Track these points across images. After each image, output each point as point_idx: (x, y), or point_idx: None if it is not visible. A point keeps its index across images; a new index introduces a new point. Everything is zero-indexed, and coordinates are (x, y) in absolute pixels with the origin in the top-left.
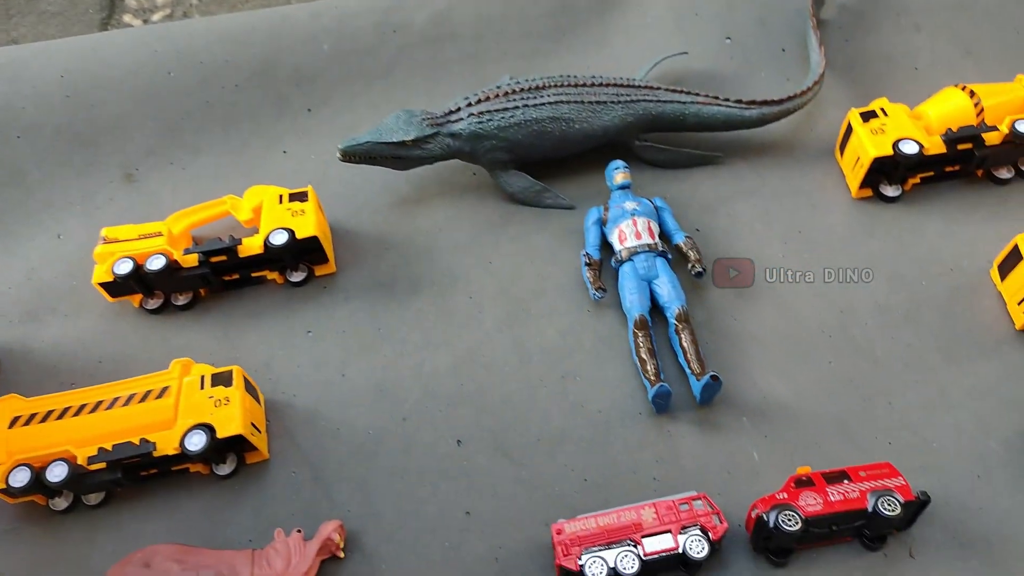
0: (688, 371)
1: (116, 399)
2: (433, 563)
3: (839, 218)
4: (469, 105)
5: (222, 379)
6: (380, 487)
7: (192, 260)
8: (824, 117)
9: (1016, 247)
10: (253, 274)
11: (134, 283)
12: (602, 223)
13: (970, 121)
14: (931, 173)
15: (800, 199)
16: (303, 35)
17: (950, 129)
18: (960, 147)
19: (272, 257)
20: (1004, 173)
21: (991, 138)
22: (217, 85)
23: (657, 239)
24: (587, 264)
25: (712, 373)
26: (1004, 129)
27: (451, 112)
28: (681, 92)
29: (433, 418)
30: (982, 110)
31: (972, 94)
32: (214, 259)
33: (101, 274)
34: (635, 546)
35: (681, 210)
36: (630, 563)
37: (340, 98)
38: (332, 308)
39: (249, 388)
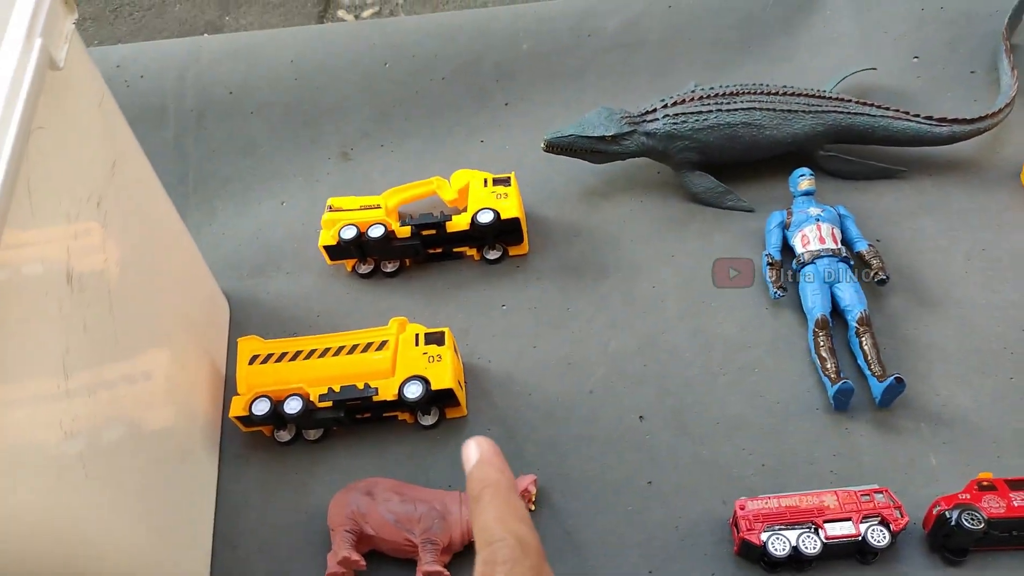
0: (868, 373)
1: (342, 347)
2: (617, 524)
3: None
4: (665, 107)
5: (434, 338)
6: (568, 450)
7: (406, 231)
8: (1012, 140)
9: None
10: (454, 249)
11: (354, 248)
12: (784, 226)
13: None
14: None
15: (985, 218)
16: (505, 34)
17: None
18: None
19: (476, 235)
20: None
21: None
22: (426, 77)
23: (840, 245)
24: (769, 264)
25: (896, 375)
26: None
27: (648, 112)
28: (871, 105)
29: (617, 393)
30: None
31: None
32: (425, 232)
33: (327, 238)
34: (817, 530)
35: (862, 220)
36: (812, 544)
37: (535, 95)
38: (524, 286)
39: (455, 349)
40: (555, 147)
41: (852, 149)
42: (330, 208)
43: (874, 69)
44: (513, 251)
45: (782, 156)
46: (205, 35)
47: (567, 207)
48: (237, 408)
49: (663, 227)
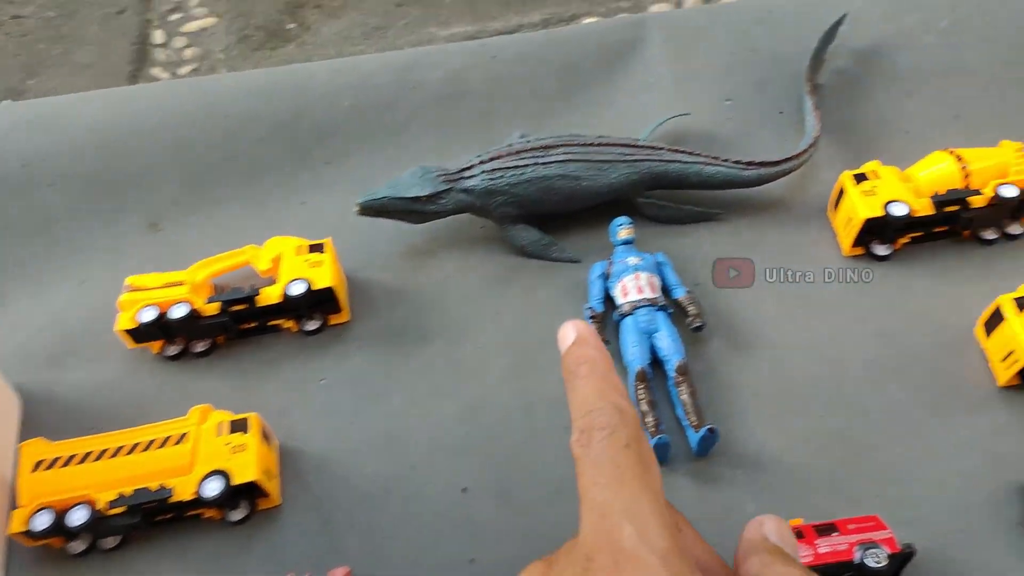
0: (686, 423)
1: (136, 444)
2: None
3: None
4: (482, 163)
5: (239, 425)
6: (387, 534)
7: (214, 308)
8: (818, 177)
9: (998, 308)
10: (270, 322)
11: (157, 330)
12: (606, 277)
13: (957, 184)
14: (920, 234)
15: (796, 256)
16: (325, 91)
17: (937, 192)
18: (947, 209)
19: (289, 307)
20: (990, 234)
21: (976, 201)
22: (242, 138)
23: (659, 293)
24: (591, 317)
25: (709, 426)
26: (989, 192)
27: (464, 169)
28: (683, 152)
29: (440, 466)
30: (968, 174)
31: (959, 159)
32: (234, 308)
33: (125, 321)
34: None
35: (682, 265)
36: None
37: (358, 152)
38: (345, 356)
39: (264, 434)
40: (369, 210)
41: (671, 194)
42: (128, 288)
43: (688, 114)
44: (333, 320)
45: (605, 204)
46: (1, 103)
47: (390, 268)
48: (17, 523)
49: (489, 284)
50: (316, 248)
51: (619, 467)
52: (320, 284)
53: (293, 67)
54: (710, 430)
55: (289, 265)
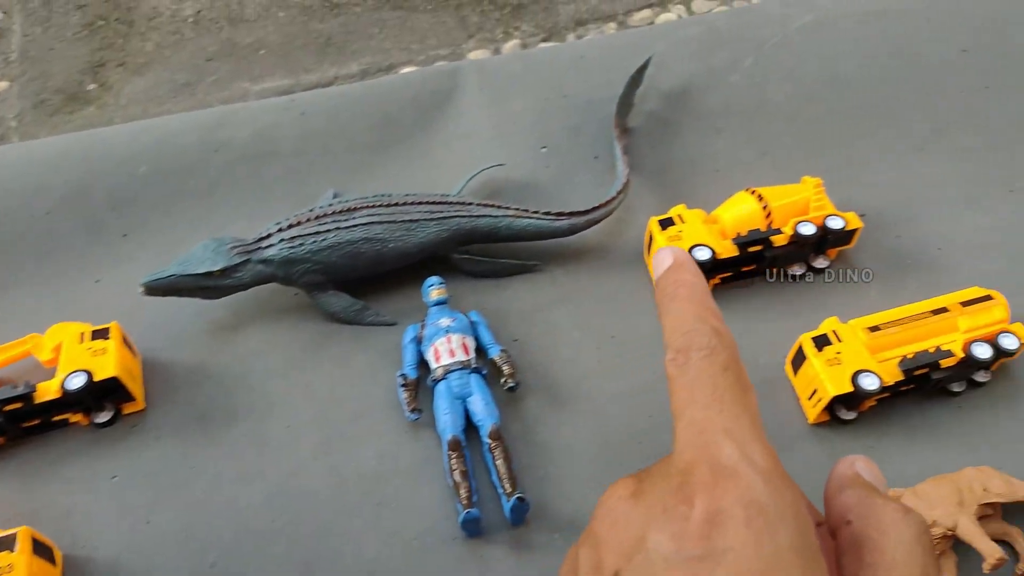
0: (500, 491)
1: None
2: None
3: (648, 321)
4: (280, 231)
5: (6, 543)
6: None
7: None
8: (634, 221)
9: (800, 347)
10: (54, 418)
11: None
12: (418, 341)
13: (759, 224)
14: (729, 274)
15: (613, 304)
16: (120, 157)
17: (739, 233)
18: (751, 250)
19: (71, 401)
20: (796, 270)
21: (777, 240)
22: (27, 214)
23: (472, 355)
24: (403, 385)
25: (518, 495)
26: (788, 231)
27: (262, 239)
28: (493, 206)
29: (244, 558)
30: (770, 212)
31: (760, 197)
32: (8, 407)
33: None
34: None
35: (500, 320)
36: None
37: (159, 221)
38: (140, 449)
39: (41, 548)
40: (156, 290)
41: (488, 248)
42: None
43: (502, 165)
44: (127, 409)
45: (420, 262)
46: None
47: (193, 347)
48: None
49: (299, 355)
50: (100, 334)
51: (718, 387)
52: (103, 374)
53: (84, 133)
54: (519, 499)
55: (70, 355)
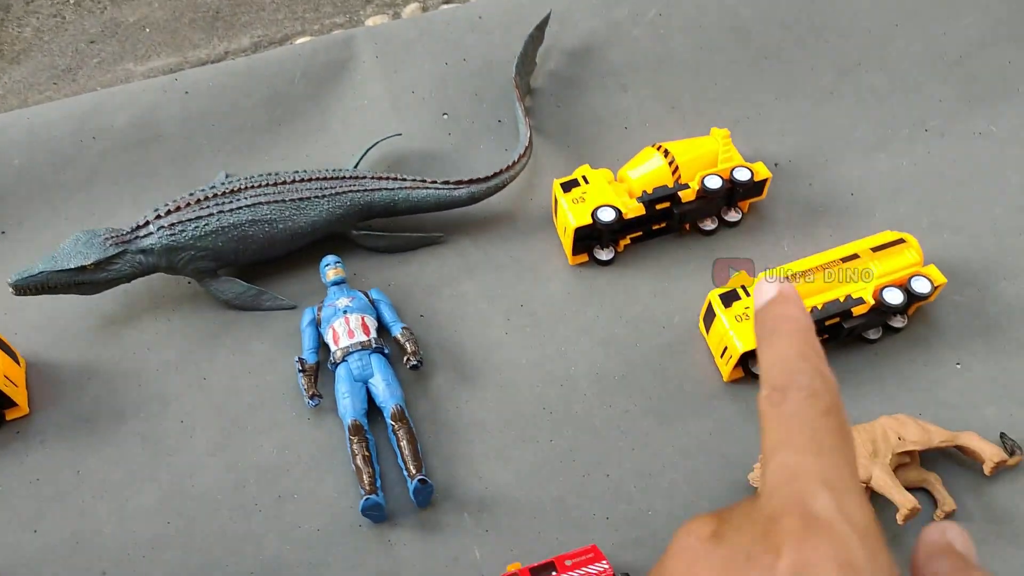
0: (405, 473)
1: None
2: None
3: (558, 287)
4: (158, 217)
5: None
6: None
7: None
8: (541, 185)
9: (710, 304)
10: None
11: None
12: (316, 323)
13: (666, 180)
14: (640, 233)
15: (522, 271)
16: None
17: (645, 191)
18: (659, 207)
19: None
20: (708, 225)
21: (685, 195)
22: None
23: (373, 335)
24: (301, 371)
25: (420, 477)
26: (695, 186)
27: (139, 227)
28: (389, 179)
29: (136, 566)
30: (676, 168)
31: (666, 153)
32: None
33: None
34: None
35: (405, 296)
36: None
37: (38, 216)
38: (24, 455)
39: None
40: (27, 289)
41: (390, 223)
42: None
43: (399, 135)
44: (10, 415)
45: (320, 242)
46: None
47: (80, 345)
48: None
49: (195, 346)
50: None
51: (817, 432)
52: None
53: None
54: (421, 481)
55: None
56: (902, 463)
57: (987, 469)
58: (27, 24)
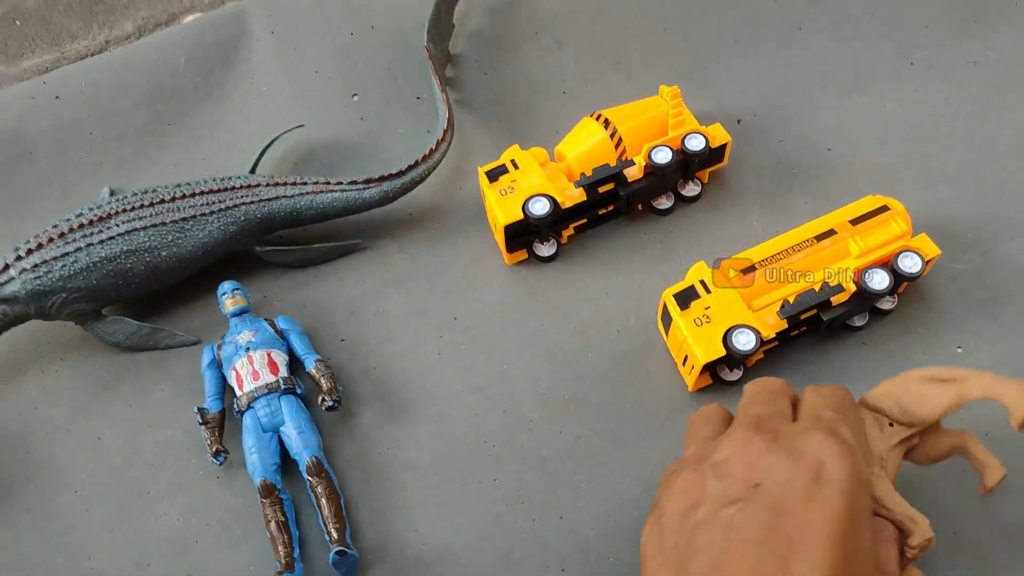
0: (326, 536)
1: None
2: None
3: (496, 292)
4: (19, 259)
5: None
6: None
7: None
8: (470, 170)
9: (666, 306)
10: None
11: None
12: (217, 364)
13: (609, 155)
14: (584, 221)
15: (455, 277)
16: None
17: (584, 173)
18: (601, 190)
19: None
20: (664, 203)
21: (631, 174)
22: None
23: (282, 373)
24: (202, 423)
25: (338, 548)
26: (642, 161)
27: None
28: (287, 184)
29: None
30: (620, 140)
31: (607, 123)
32: None
33: None
34: None
35: (324, 318)
36: None
37: None
38: None
39: None
40: None
41: (300, 233)
42: None
43: (301, 126)
44: None
45: (223, 261)
46: None
47: None
48: None
49: (87, 400)
50: None
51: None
52: None
53: None
54: (339, 553)
55: None
56: (912, 446)
57: (986, 485)
58: None
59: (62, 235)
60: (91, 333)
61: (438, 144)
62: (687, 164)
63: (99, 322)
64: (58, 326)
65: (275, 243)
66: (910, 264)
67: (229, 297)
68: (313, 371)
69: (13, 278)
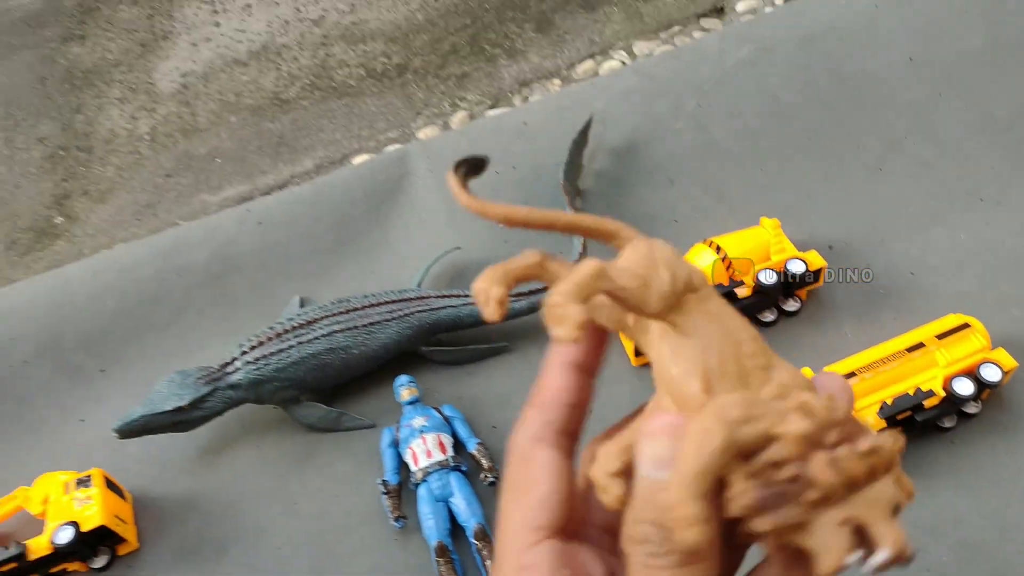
0: None
1: None
2: None
3: (624, 389)
4: (244, 354)
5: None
6: None
7: None
8: None
9: None
10: (52, 570)
11: None
12: (395, 444)
13: (721, 277)
14: None
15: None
16: (86, 295)
17: None
18: None
19: (64, 553)
20: (767, 316)
21: (741, 292)
22: (4, 365)
23: (450, 453)
24: (385, 492)
25: None
26: (750, 282)
27: (226, 365)
28: (452, 296)
29: None
30: (729, 264)
31: (718, 249)
32: (6, 568)
33: None
34: None
35: (476, 408)
36: None
37: (133, 354)
38: None
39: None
40: (130, 433)
41: (456, 336)
42: None
43: (458, 249)
44: (122, 550)
45: (392, 359)
46: None
47: (181, 477)
48: None
49: (284, 472)
50: (84, 482)
51: None
52: (90, 525)
53: (48, 276)
54: None
55: (56, 507)
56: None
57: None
58: (109, 163)
59: (278, 335)
60: (290, 415)
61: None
62: (789, 284)
63: (298, 406)
64: (260, 410)
65: (437, 344)
66: (991, 374)
67: (405, 388)
68: (475, 452)
69: (239, 368)
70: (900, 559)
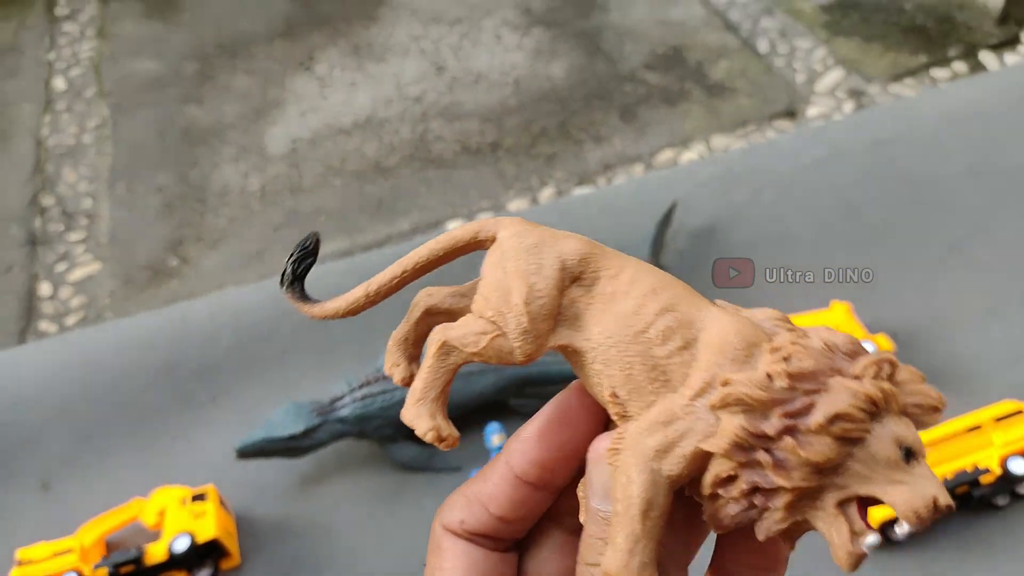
0: None
1: None
2: None
3: None
4: (352, 391)
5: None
6: None
7: (103, 574)
8: None
9: None
10: None
11: None
12: None
13: None
14: None
15: None
16: (203, 332)
17: None
18: None
19: (177, 561)
20: None
21: None
22: (125, 388)
23: None
24: None
25: None
26: None
27: (336, 400)
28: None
29: None
30: None
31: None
32: (124, 570)
33: None
34: None
35: None
36: None
37: (241, 387)
38: None
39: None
40: (248, 453)
41: (543, 391)
42: (18, 563)
43: None
44: (225, 565)
45: (480, 408)
46: None
47: (281, 501)
48: None
49: (376, 504)
50: (199, 497)
51: None
52: (204, 536)
53: (170, 309)
54: None
55: (174, 518)
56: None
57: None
58: (222, 215)
59: (385, 377)
60: (387, 452)
61: None
62: None
63: (394, 445)
64: (356, 445)
65: (525, 397)
66: None
67: (496, 434)
68: None
69: (347, 404)
70: (920, 519)
